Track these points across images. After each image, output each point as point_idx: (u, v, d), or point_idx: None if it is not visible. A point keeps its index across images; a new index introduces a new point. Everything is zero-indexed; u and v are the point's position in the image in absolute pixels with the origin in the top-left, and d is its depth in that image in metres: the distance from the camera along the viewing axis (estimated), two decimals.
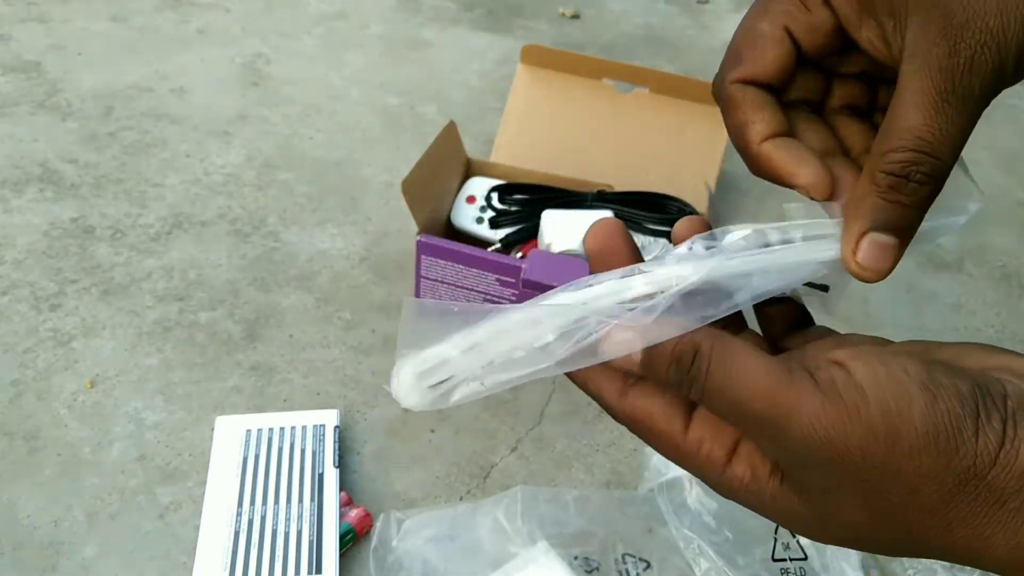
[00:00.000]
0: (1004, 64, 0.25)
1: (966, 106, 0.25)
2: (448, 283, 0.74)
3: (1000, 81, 0.25)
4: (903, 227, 0.27)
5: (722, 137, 0.87)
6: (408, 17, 1.29)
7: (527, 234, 0.79)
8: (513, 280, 0.72)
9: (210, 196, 0.88)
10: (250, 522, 0.57)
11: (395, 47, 1.21)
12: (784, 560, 0.57)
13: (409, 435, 0.67)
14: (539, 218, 0.78)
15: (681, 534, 0.58)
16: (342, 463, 0.64)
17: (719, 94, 0.31)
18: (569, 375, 0.28)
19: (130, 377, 0.68)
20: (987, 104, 0.26)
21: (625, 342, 0.26)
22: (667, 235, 0.79)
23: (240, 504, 0.58)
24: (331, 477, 0.60)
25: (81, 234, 0.81)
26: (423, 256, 0.73)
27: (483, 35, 1.27)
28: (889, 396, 0.23)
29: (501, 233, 0.79)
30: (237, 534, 0.56)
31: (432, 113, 1.07)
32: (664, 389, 0.28)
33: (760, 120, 0.29)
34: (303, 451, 0.62)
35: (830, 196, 0.29)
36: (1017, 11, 0.24)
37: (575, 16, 1.37)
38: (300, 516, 0.57)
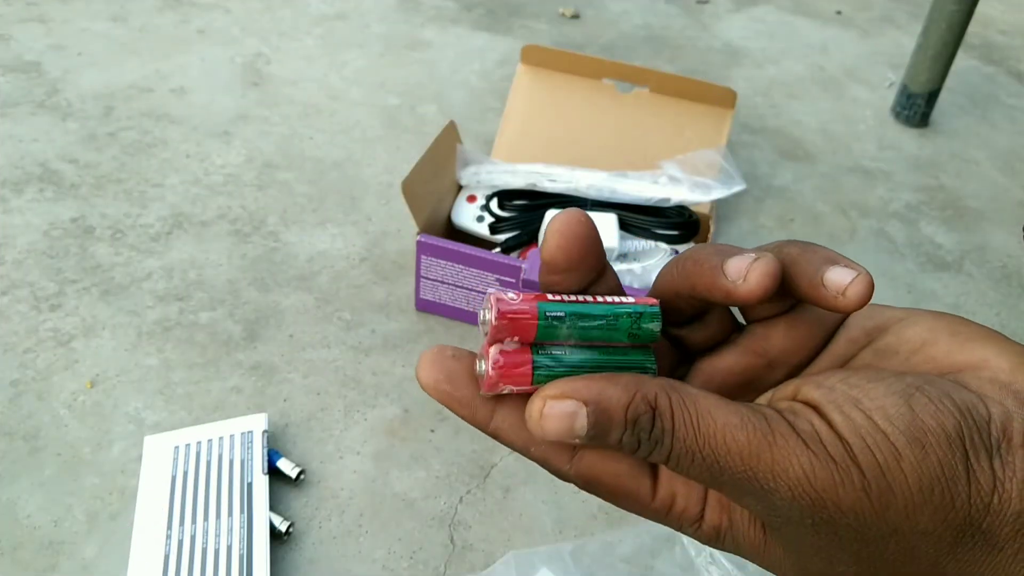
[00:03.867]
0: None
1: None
2: (448, 283, 0.74)
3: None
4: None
5: (722, 136, 0.87)
6: (408, 17, 1.29)
7: (527, 239, 0.79)
8: (513, 280, 0.72)
9: (210, 196, 0.88)
10: (179, 543, 0.55)
11: (395, 47, 1.21)
12: None
13: (409, 435, 0.67)
14: (538, 224, 0.78)
15: (692, 545, 0.58)
16: (341, 463, 0.64)
17: None
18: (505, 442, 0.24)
19: (130, 377, 0.68)
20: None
21: (563, 413, 0.21)
22: (668, 239, 0.79)
23: (170, 526, 0.56)
24: (260, 485, 0.59)
25: (81, 234, 0.81)
26: (423, 256, 0.73)
27: (483, 35, 1.27)
28: (877, 452, 0.20)
29: (502, 237, 0.79)
30: (167, 558, 0.55)
31: (432, 113, 1.07)
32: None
33: None
34: (231, 462, 0.60)
35: None
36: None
37: (575, 16, 1.37)
38: (230, 530, 0.56)
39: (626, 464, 0.24)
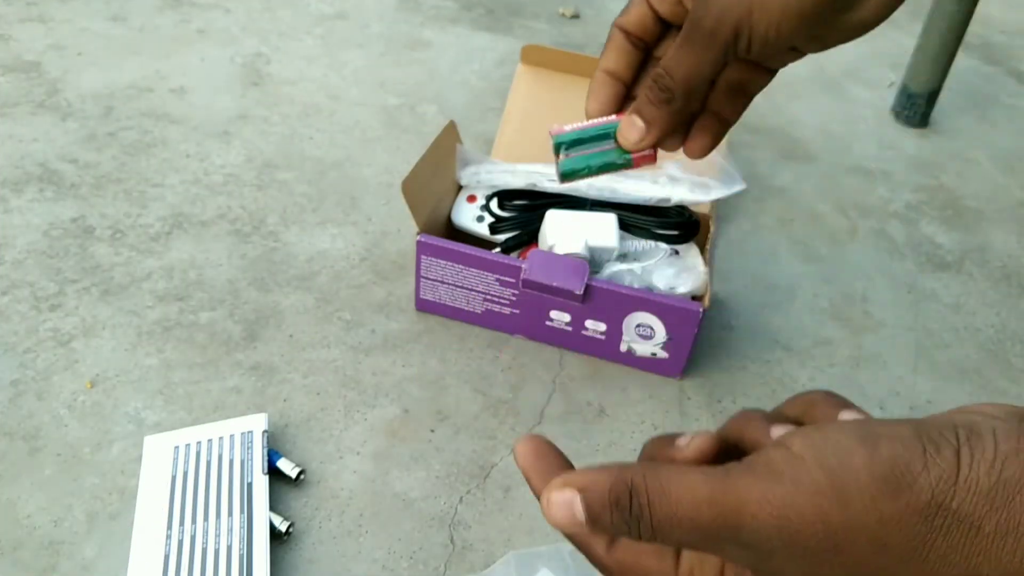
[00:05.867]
0: (752, 27, 0.33)
1: (700, 48, 0.34)
2: (448, 283, 0.74)
3: (744, 40, 0.34)
4: (648, 118, 0.37)
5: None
6: (408, 17, 1.29)
7: (527, 239, 0.78)
8: (513, 280, 0.72)
9: (210, 196, 0.88)
10: (180, 543, 0.55)
11: (395, 47, 1.21)
12: None
13: (409, 435, 0.67)
14: (538, 224, 0.78)
15: None
16: (340, 463, 0.64)
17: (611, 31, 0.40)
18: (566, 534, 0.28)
19: (130, 377, 0.68)
20: (730, 52, 0.34)
21: (563, 502, 0.25)
22: (668, 239, 0.79)
23: (170, 526, 0.56)
24: (260, 485, 0.59)
25: (81, 234, 0.81)
26: (423, 256, 0.73)
27: (483, 35, 1.27)
28: (829, 455, 0.22)
29: (501, 237, 0.79)
30: (167, 558, 0.55)
31: (432, 113, 1.07)
32: None
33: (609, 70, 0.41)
34: (231, 461, 0.60)
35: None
36: None
37: (575, 16, 1.37)
38: (230, 530, 0.56)
39: (655, 546, 0.27)
